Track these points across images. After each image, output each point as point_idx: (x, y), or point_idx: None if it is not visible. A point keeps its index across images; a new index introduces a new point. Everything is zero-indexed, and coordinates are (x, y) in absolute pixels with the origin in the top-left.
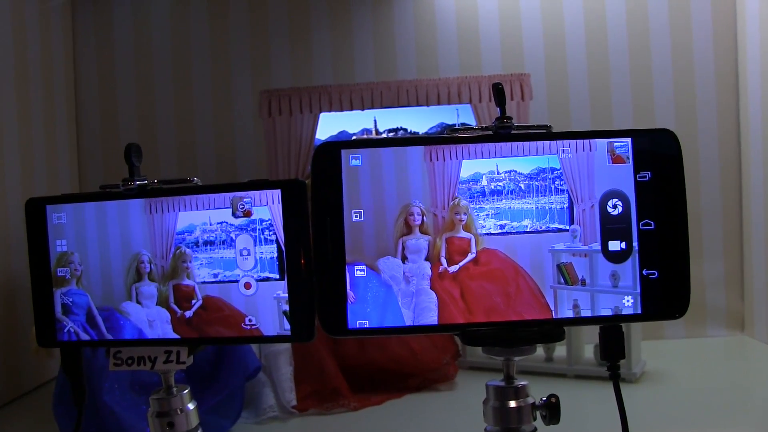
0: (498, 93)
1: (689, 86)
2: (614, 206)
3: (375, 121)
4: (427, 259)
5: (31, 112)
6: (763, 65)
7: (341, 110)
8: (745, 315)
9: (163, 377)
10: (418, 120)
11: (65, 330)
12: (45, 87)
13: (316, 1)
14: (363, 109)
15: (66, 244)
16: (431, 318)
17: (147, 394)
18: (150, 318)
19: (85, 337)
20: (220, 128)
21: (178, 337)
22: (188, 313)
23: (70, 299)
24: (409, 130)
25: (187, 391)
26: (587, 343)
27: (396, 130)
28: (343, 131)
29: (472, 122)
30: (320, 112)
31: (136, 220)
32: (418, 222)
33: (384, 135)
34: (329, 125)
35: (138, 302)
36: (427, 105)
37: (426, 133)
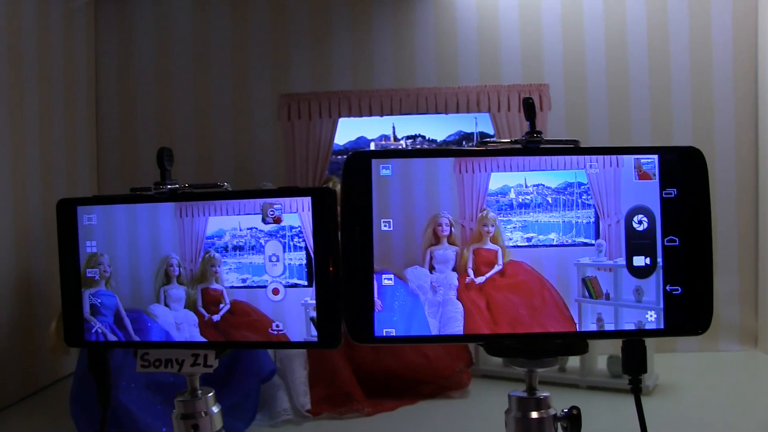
0: (528, 107)
1: (708, 103)
2: (640, 222)
3: (393, 127)
4: (454, 269)
5: (51, 113)
6: None
7: (360, 116)
8: (759, 330)
9: (189, 379)
10: (437, 127)
11: (93, 330)
12: (66, 88)
13: (336, 6)
14: (382, 115)
15: (96, 245)
16: (457, 328)
17: (162, 394)
18: (177, 321)
19: (112, 338)
20: (239, 131)
21: (205, 340)
22: (216, 317)
23: (99, 300)
24: (427, 137)
25: (212, 394)
26: (600, 354)
27: (414, 137)
28: (362, 137)
29: (491, 131)
30: (339, 117)
31: (167, 224)
32: (447, 233)
33: (402, 141)
34: (348, 130)
35: (166, 305)
36: (446, 113)
37: (444, 140)
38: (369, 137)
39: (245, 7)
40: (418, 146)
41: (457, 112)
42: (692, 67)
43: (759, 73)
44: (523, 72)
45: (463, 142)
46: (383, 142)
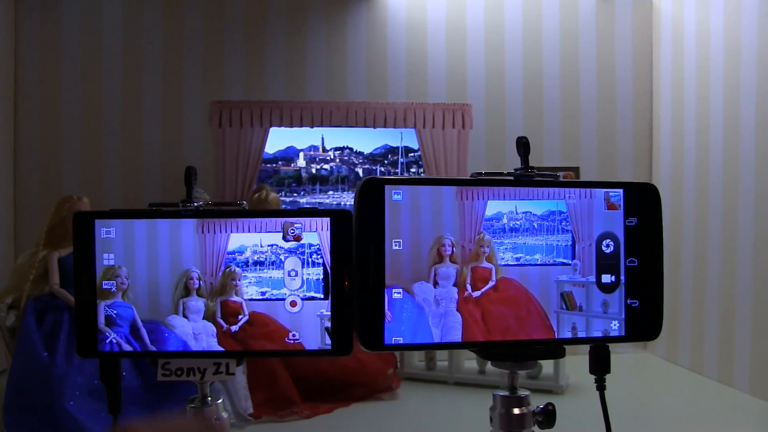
0: (523, 146)
1: (610, 128)
2: (607, 245)
3: (323, 138)
4: (455, 285)
5: None
6: (674, 109)
7: (291, 126)
8: None
9: (200, 387)
10: (365, 140)
11: (107, 341)
12: None
13: (272, 17)
14: (312, 126)
15: (114, 258)
16: (456, 336)
17: (105, 400)
18: (195, 331)
19: (127, 348)
20: (169, 136)
21: (222, 349)
22: (234, 328)
23: (115, 311)
24: (354, 150)
25: (221, 401)
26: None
27: (342, 148)
28: (291, 147)
29: (415, 146)
30: (270, 126)
31: (188, 239)
32: (449, 252)
33: (330, 152)
34: (278, 140)
35: (184, 316)
36: (374, 127)
37: (371, 153)
38: (298, 147)
39: (180, 12)
40: (346, 158)
41: (385, 126)
42: (598, 92)
43: (654, 98)
44: (448, 92)
45: (389, 155)
46: (312, 153)
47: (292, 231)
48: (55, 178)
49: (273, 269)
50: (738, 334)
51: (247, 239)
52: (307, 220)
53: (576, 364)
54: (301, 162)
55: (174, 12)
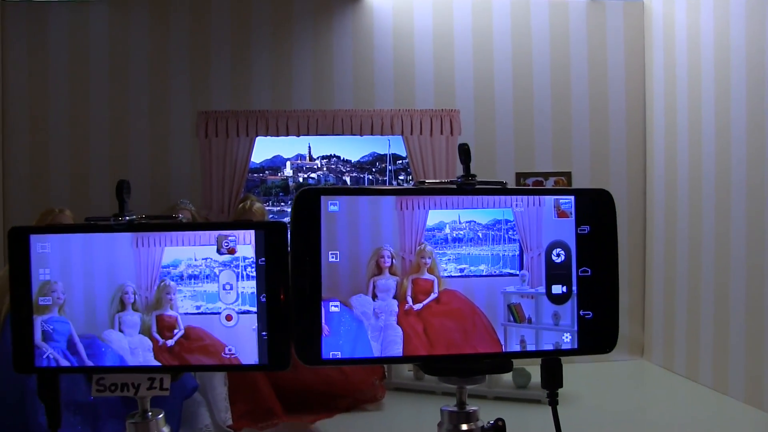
0: (464, 152)
1: (603, 132)
2: (558, 255)
3: (309, 147)
4: (395, 297)
5: None
6: (667, 113)
7: (277, 135)
8: (645, 342)
9: (140, 402)
10: (352, 148)
11: (44, 356)
12: None
13: (257, 26)
14: (299, 135)
15: (49, 273)
16: (397, 350)
17: (82, 414)
18: (132, 346)
19: (65, 363)
20: (156, 147)
21: (159, 364)
22: (170, 342)
23: (51, 326)
24: (342, 158)
25: (162, 415)
26: (516, 365)
27: (329, 157)
28: (278, 156)
29: (403, 153)
30: (257, 135)
31: (123, 253)
32: (388, 264)
33: (318, 161)
34: (264, 149)
35: (120, 330)
36: (361, 134)
37: (359, 161)
38: (285, 156)
39: (165, 23)
40: (333, 167)
41: (372, 134)
42: (590, 97)
43: (647, 103)
44: (436, 98)
45: (377, 163)
46: (299, 161)
47: (226, 244)
48: (43, 190)
49: (208, 283)
50: (733, 343)
51: (181, 253)
52: (241, 232)
53: (567, 373)
54: (288, 171)
55: (160, 23)
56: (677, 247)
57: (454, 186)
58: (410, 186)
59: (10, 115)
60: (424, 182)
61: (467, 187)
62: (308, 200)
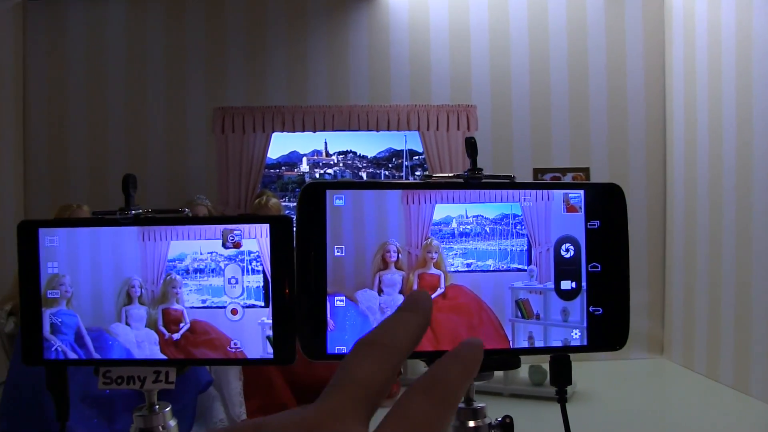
0: (470, 146)
1: (622, 127)
2: (567, 250)
3: (326, 143)
4: (400, 292)
5: None
6: (687, 108)
7: (293, 131)
8: (665, 340)
9: (147, 395)
10: (368, 144)
11: (53, 349)
12: None
13: (273, 21)
14: (315, 131)
15: (57, 266)
16: None
17: (98, 407)
18: (138, 339)
19: (72, 356)
20: (172, 143)
21: (165, 357)
22: (176, 336)
23: (60, 319)
24: (358, 154)
25: (168, 408)
26: (523, 363)
27: (346, 153)
28: (294, 152)
29: (420, 148)
30: (273, 131)
31: (129, 247)
32: (394, 259)
33: (334, 157)
34: (281, 145)
35: (127, 324)
36: (377, 130)
37: (375, 157)
38: (301, 152)
39: (181, 19)
40: (349, 162)
41: (388, 129)
42: (608, 92)
43: (666, 97)
44: (452, 93)
45: (393, 159)
46: (315, 157)
47: (231, 238)
48: (62, 185)
49: (213, 277)
50: (755, 341)
51: (187, 246)
52: (247, 226)
53: (585, 371)
54: (304, 167)
55: (176, 20)
56: (697, 243)
57: (461, 180)
58: (417, 180)
59: (31, 112)
60: (431, 176)
61: (474, 180)
62: (313, 194)
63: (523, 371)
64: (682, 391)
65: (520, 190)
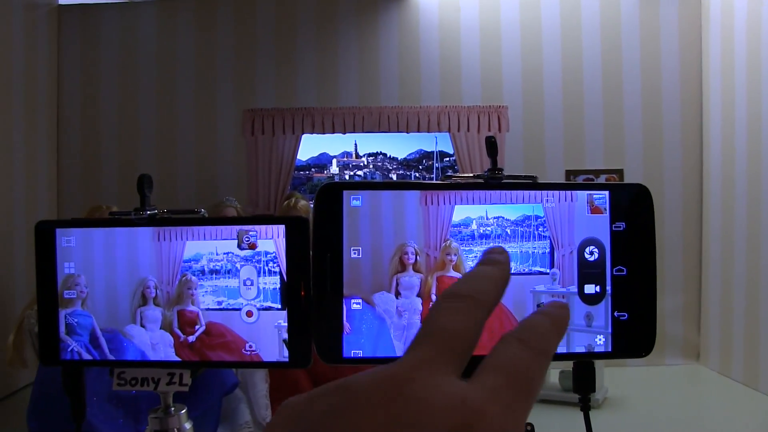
0: (491, 145)
1: (657, 127)
2: (591, 253)
3: (356, 144)
4: (418, 295)
5: (12, 126)
6: (724, 107)
7: (323, 133)
8: (701, 345)
9: (162, 397)
10: (398, 146)
11: (68, 349)
12: (26, 100)
13: (302, 24)
14: (344, 133)
15: (74, 266)
16: None
17: (124, 407)
18: (153, 341)
19: (87, 357)
20: (202, 145)
21: (180, 359)
22: (191, 338)
23: (75, 320)
24: (388, 155)
25: (184, 411)
26: (552, 368)
27: (376, 154)
28: (324, 153)
29: (450, 150)
30: (302, 133)
31: (145, 247)
32: (412, 261)
33: (364, 158)
34: (311, 147)
35: (142, 325)
36: (408, 132)
37: (405, 158)
38: (331, 154)
39: (211, 22)
40: (379, 164)
41: (418, 131)
42: (643, 91)
43: (703, 97)
44: (483, 94)
45: (423, 160)
46: (345, 159)
47: (246, 238)
48: (95, 187)
49: (229, 278)
50: None
51: (202, 247)
52: (263, 227)
53: (617, 376)
54: (334, 169)
55: (206, 22)
56: (735, 247)
57: (481, 180)
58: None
59: (65, 115)
60: (450, 176)
61: (494, 181)
62: (330, 195)
63: (553, 376)
64: (719, 399)
65: (543, 191)
